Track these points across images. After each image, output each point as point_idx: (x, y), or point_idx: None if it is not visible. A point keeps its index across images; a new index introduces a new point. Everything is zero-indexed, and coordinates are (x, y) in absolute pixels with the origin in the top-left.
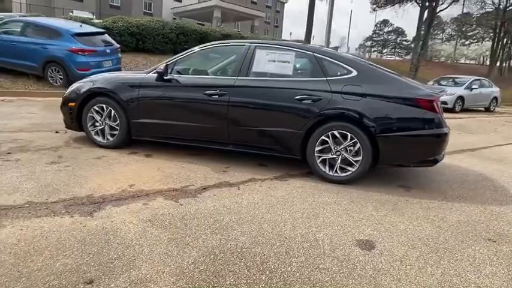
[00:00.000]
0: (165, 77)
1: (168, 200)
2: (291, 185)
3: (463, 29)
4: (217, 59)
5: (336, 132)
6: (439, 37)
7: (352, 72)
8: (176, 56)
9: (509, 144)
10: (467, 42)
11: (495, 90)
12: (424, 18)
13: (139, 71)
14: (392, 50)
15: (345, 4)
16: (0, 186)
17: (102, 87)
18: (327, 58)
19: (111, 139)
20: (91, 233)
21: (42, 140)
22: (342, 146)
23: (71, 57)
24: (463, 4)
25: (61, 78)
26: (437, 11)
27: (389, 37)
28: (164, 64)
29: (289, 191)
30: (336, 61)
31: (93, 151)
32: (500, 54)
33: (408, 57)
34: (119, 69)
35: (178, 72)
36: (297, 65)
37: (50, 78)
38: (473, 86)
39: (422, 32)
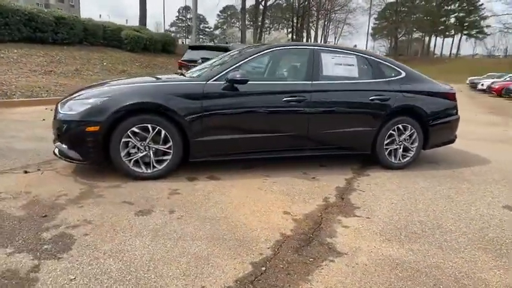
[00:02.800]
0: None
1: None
2: (387, 176)
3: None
4: (275, 63)
5: (400, 126)
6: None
7: (401, 73)
8: (234, 60)
9: None
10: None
11: None
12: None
13: (168, 75)
14: (197, 36)
15: None
16: None
17: (149, 102)
18: (382, 61)
19: (158, 167)
20: None
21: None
22: (403, 137)
23: None
24: None
25: None
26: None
27: (191, 23)
28: (235, 71)
29: (401, 180)
30: (388, 63)
31: (142, 193)
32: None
33: (211, 43)
34: None
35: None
36: (360, 68)
37: None
38: None
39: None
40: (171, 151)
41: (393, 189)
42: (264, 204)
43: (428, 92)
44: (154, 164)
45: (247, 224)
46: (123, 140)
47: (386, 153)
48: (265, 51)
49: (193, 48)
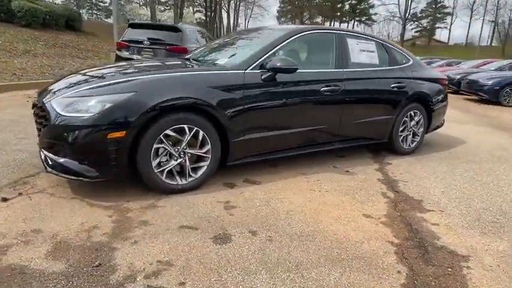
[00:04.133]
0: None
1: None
2: (406, 162)
3: None
4: (305, 49)
5: (412, 112)
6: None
7: (410, 60)
8: (264, 46)
9: None
10: (162, 8)
11: None
12: None
13: (173, 60)
14: (90, 11)
15: None
16: None
17: (190, 97)
18: (394, 48)
19: (195, 176)
20: None
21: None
22: (412, 123)
23: None
24: None
25: None
26: None
27: None
28: (276, 58)
29: (421, 166)
30: (399, 50)
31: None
32: None
33: (109, 20)
34: None
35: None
36: (379, 55)
37: None
38: None
39: None
40: (209, 156)
41: (426, 176)
42: (338, 209)
43: (430, 78)
44: (190, 173)
45: (347, 236)
46: (155, 146)
47: (400, 139)
48: (296, 36)
49: (133, 26)
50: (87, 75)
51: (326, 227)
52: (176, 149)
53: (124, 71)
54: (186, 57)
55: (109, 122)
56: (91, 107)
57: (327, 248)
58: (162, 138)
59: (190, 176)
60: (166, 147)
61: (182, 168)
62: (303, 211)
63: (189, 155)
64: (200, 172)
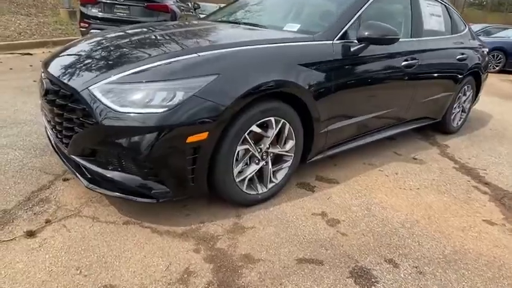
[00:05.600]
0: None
1: None
2: (462, 144)
3: None
4: (380, 15)
5: (466, 87)
6: None
7: (465, 27)
8: (346, 10)
9: None
10: None
11: None
12: None
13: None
14: None
15: None
16: None
17: (282, 80)
18: (455, 11)
19: (275, 181)
20: None
21: None
22: (463, 99)
23: None
24: None
25: None
26: None
27: None
28: (367, 25)
29: (479, 147)
30: (458, 14)
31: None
32: None
33: None
34: None
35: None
36: (445, 20)
37: None
38: None
39: None
40: (292, 154)
41: (496, 161)
42: (451, 215)
43: (479, 47)
44: (272, 179)
45: (496, 256)
46: (239, 147)
47: (452, 118)
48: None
49: None
50: (125, 44)
51: (463, 244)
52: (259, 150)
53: (178, 39)
54: (218, 18)
55: (187, 119)
56: (160, 98)
57: (489, 276)
58: (247, 137)
59: (272, 181)
60: (250, 149)
61: (261, 173)
62: (418, 221)
63: (271, 155)
64: (280, 175)
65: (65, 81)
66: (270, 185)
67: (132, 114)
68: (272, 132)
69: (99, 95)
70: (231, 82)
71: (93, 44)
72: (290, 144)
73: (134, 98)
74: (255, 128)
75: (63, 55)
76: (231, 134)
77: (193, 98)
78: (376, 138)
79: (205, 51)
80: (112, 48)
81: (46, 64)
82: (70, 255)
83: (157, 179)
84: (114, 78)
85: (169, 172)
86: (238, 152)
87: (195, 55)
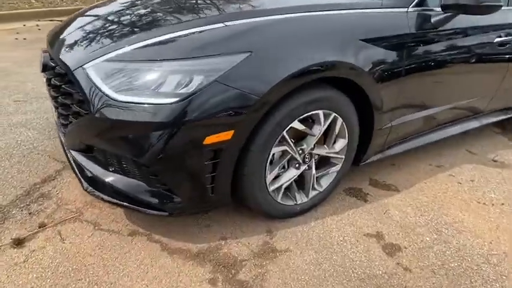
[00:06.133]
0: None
1: None
2: None
3: None
4: None
5: None
6: None
7: None
8: None
9: None
10: None
11: None
12: None
13: None
14: None
15: None
16: None
17: (337, 61)
18: None
19: (319, 189)
20: None
21: None
22: None
23: None
24: None
25: None
26: None
27: None
28: None
29: None
30: None
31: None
32: None
33: None
34: None
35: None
36: None
37: None
38: None
39: None
40: (342, 156)
41: None
42: None
43: None
44: (315, 186)
45: None
46: (274, 150)
47: None
48: None
49: None
50: (134, 12)
51: None
52: (300, 151)
53: (197, 2)
54: None
55: (206, 113)
56: (173, 83)
57: None
58: (286, 135)
59: (314, 189)
60: (289, 150)
61: (301, 179)
62: (507, 255)
63: (316, 157)
64: (326, 182)
65: (61, 56)
66: (312, 194)
67: (132, 105)
68: (319, 130)
69: (93, 77)
70: (267, 63)
71: (107, 11)
72: (341, 143)
73: (137, 82)
74: (296, 125)
75: (74, 23)
76: (265, 133)
77: (214, 85)
78: (451, 134)
79: (233, 19)
80: (122, 17)
81: (51, 35)
82: (57, 278)
83: (166, 187)
84: (113, 54)
85: (182, 180)
86: (274, 154)
87: (220, 25)
